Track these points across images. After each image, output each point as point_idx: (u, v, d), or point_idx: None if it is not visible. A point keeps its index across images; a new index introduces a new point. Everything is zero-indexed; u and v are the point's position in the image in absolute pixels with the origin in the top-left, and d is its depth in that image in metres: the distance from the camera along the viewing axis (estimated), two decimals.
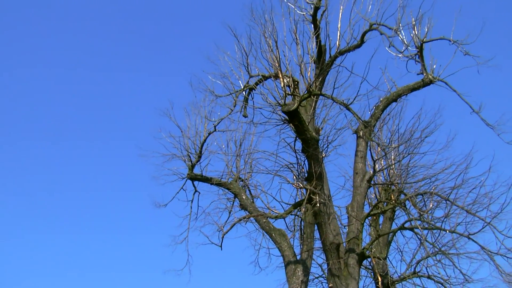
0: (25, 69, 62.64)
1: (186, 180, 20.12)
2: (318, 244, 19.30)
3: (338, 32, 18.41)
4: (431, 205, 19.72)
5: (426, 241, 19.51)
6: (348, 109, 17.34)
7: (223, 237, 18.90)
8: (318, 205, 17.36)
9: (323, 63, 18.12)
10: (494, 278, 22.26)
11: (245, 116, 19.47)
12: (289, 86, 17.47)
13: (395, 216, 21.65)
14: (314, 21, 18.68)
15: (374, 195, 21.96)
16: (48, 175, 64.29)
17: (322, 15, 18.64)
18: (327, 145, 19.54)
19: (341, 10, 18.66)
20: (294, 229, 18.87)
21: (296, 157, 18.73)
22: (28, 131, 63.43)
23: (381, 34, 18.52)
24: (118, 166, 66.75)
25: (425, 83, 19.03)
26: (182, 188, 20.24)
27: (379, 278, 19.26)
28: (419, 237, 20.08)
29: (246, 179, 19.77)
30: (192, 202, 20.40)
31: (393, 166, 21.23)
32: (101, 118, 66.47)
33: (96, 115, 66.55)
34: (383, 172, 21.53)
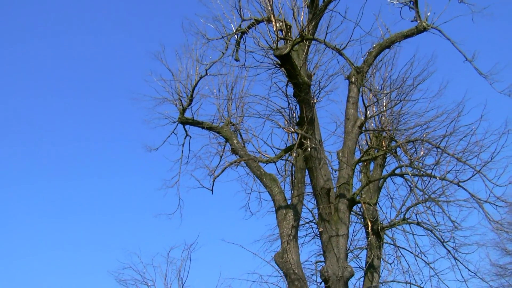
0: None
1: (177, 124, 20.02)
2: (308, 189, 19.35)
3: None
4: (422, 153, 19.76)
5: (416, 187, 19.59)
6: (341, 54, 17.19)
7: (214, 180, 18.93)
8: (309, 149, 17.31)
9: (316, 7, 17.88)
10: (482, 226, 22.48)
11: (236, 60, 19.30)
12: (281, 30, 17.28)
13: (386, 163, 21.71)
14: None
15: (365, 141, 21.97)
16: (42, 120, 64.14)
17: None
18: (319, 91, 19.44)
19: None
20: (285, 173, 18.89)
21: (288, 101, 18.65)
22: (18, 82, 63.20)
23: None
24: (109, 109, 66.65)
25: (419, 30, 18.89)
26: (173, 132, 20.17)
27: (369, 224, 19.38)
28: (409, 183, 20.20)
29: (238, 124, 19.69)
30: (183, 146, 20.35)
31: (385, 112, 21.19)
32: (91, 61, 66.12)
33: (87, 59, 66.18)
34: (374, 119, 21.49)
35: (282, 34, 17.17)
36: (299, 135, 17.34)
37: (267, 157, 18.25)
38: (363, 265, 21.22)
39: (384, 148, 20.34)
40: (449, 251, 21.74)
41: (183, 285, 19.33)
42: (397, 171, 19.15)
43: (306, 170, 18.39)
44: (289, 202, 18.39)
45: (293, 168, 18.89)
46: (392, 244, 22.41)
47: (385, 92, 21.10)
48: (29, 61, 64.23)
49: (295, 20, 17.40)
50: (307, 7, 17.90)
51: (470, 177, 18.35)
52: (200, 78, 19.58)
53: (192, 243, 20.09)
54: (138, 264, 19.72)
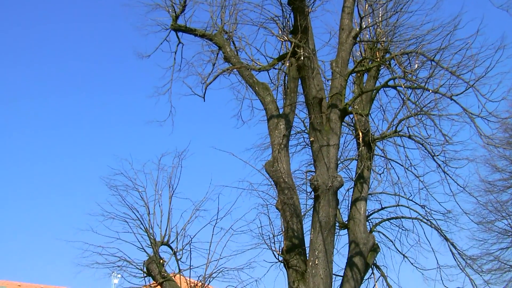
0: None
1: (170, 31, 19.67)
2: (301, 98, 19.30)
3: None
4: (416, 65, 19.62)
5: (409, 100, 19.54)
6: None
7: (206, 88, 18.77)
8: (302, 58, 17.18)
9: None
10: (473, 142, 22.60)
11: None
12: None
13: (380, 75, 21.59)
14: None
15: (359, 52, 21.78)
16: (35, 34, 63.71)
17: None
18: (314, 0, 19.10)
19: None
20: (278, 82, 18.76)
21: (282, 9, 18.26)
22: None
23: None
24: (101, 16, 66.04)
25: None
26: (165, 39, 19.82)
27: (360, 135, 19.41)
28: (402, 96, 20.11)
29: (231, 31, 19.36)
30: (175, 53, 20.06)
31: (380, 24, 20.89)
32: None
33: None
34: (369, 30, 21.23)
35: None
36: (293, 43, 17.16)
37: (260, 65, 18.11)
38: (353, 176, 21.40)
39: (378, 59, 20.17)
40: (439, 165, 21.96)
41: (173, 191, 19.39)
42: (391, 83, 19.07)
43: (299, 80, 18.29)
44: (281, 111, 18.36)
45: (286, 78, 18.77)
46: (382, 156, 22.62)
47: (381, 2, 20.73)
48: None
49: None
50: None
51: (463, 91, 18.29)
52: None
53: (183, 150, 20.02)
54: (129, 171, 19.67)
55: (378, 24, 20.86)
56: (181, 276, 18.94)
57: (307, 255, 17.12)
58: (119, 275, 19.56)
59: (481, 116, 18.26)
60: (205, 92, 18.98)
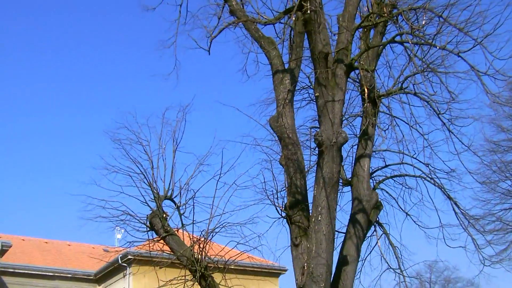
0: None
1: None
2: (307, 53, 19.10)
3: None
4: (423, 22, 19.35)
5: (416, 56, 19.33)
6: None
7: (211, 41, 18.50)
8: (308, 12, 16.90)
9: None
10: (479, 101, 22.43)
11: None
12: None
13: (386, 31, 21.28)
14: None
15: (366, 8, 21.45)
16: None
17: None
18: None
19: None
20: (283, 36, 18.52)
21: None
22: None
23: None
24: None
25: None
26: None
27: (366, 90, 19.19)
28: (409, 52, 19.91)
29: None
30: (181, 6, 19.79)
31: None
32: None
33: None
34: None
35: None
36: None
37: (266, 18, 17.88)
38: (357, 133, 21.28)
39: (386, 14, 19.85)
40: (444, 123, 21.84)
41: (177, 145, 19.26)
42: (397, 39, 18.86)
43: (305, 34, 18.06)
44: (286, 66, 18.18)
45: (292, 32, 18.54)
46: (387, 113, 22.43)
47: None
48: None
49: None
50: None
51: (471, 48, 18.02)
52: None
53: (188, 104, 19.84)
54: (133, 124, 19.49)
55: None
56: (184, 231, 18.94)
57: (310, 211, 17.08)
58: (122, 230, 19.56)
59: (488, 74, 18.09)
60: (210, 46, 18.75)
